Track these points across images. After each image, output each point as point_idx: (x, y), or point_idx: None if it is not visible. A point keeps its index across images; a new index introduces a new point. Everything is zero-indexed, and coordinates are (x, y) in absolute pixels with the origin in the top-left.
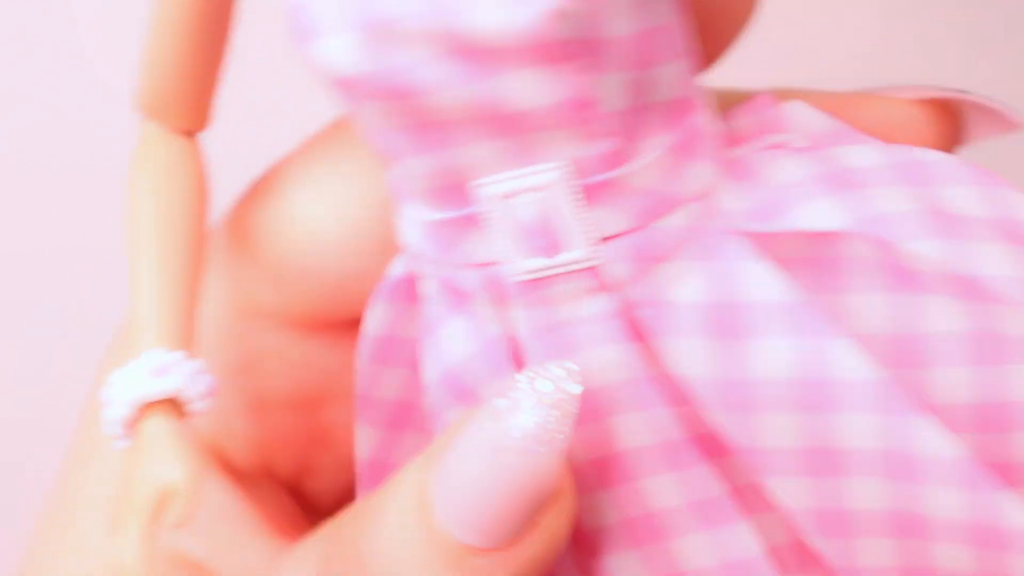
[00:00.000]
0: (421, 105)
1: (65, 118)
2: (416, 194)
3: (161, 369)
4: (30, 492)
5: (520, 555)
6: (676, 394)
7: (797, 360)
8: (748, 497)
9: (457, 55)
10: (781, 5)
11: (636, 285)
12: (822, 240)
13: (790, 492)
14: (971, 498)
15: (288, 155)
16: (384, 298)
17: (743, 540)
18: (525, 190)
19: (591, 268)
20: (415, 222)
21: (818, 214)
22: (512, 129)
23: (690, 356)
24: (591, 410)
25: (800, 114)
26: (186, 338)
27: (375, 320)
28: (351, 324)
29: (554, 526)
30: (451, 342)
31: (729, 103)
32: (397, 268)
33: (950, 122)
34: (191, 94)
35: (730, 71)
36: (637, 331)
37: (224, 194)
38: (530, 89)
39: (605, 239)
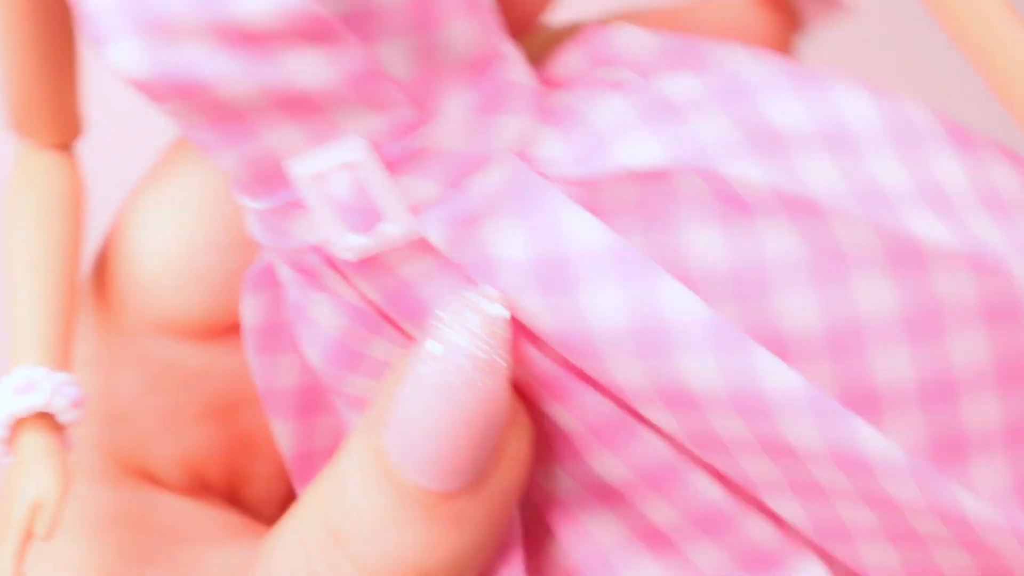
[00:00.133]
0: (213, 99)
1: None
2: (238, 185)
3: (26, 386)
4: None
5: (493, 488)
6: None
7: (629, 308)
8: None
9: (234, 45)
10: None
11: (460, 248)
12: (649, 178)
13: (663, 423)
14: (825, 427)
15: (141, 177)
16: (250, 289)
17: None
18: (334, 168)
19: (410, 239)
20: (249, 212)
21: (639, 150)
22: (306, 110)
23: (530, 313)
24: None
25: (627, 38)
26: (52, 352)
27: (248, 312)
28: (239, 327)
29: (518, 452)
30: (321, 319)
31: (559, 38)
32: (259, 259)
33: (783, 13)
34: (51, 107)
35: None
36: (476, 284)
37: (109, 200)
38: (311, 68)
39: (421, 207)
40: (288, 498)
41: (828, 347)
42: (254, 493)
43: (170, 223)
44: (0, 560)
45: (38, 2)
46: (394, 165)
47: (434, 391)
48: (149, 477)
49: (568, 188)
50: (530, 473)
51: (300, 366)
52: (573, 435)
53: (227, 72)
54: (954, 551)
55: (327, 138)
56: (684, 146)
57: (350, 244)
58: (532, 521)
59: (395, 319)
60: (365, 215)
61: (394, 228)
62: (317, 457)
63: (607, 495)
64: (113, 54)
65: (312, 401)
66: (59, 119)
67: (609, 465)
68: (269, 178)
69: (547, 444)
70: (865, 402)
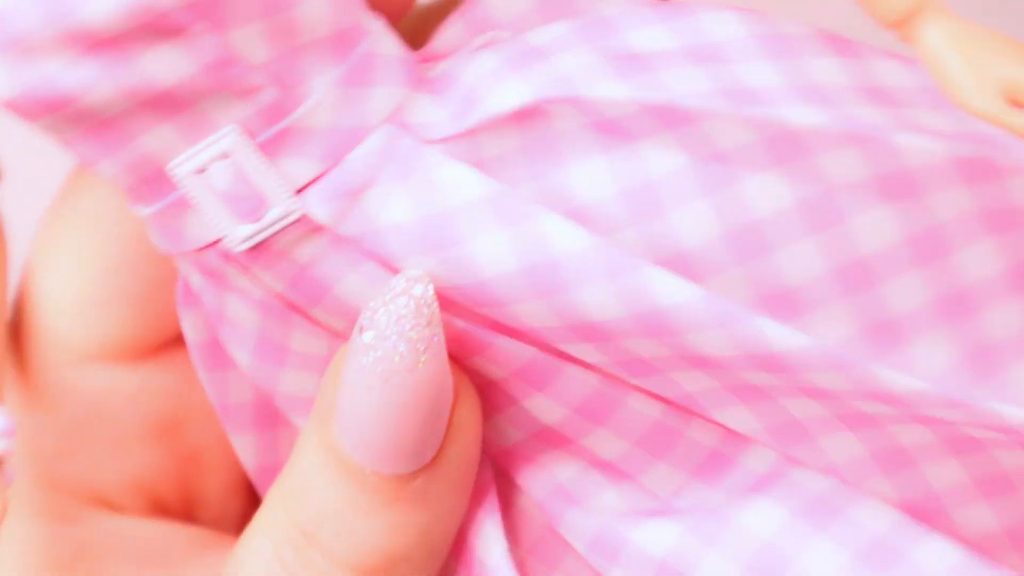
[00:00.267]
0: (80, 110)
1: None
2: (128, 194)
3: None
4: None
5: (450, 460)
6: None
7: (517, 251)
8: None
9: (88, 52)
10: None
11: (347, 221)
12: (524, 120)
13: (586, 355)
14: (730, 332)
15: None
16: (183, 306)
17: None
18: (212, 160)
19: (299, 219)
20: (146, 221)
21: (506, 94)
22: (173, 107)
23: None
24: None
25: (500, 2)
26: None
27: (188, 329)
28: (175, 340)
29: (467, 419)
30: (238, 318)
31: (443, 11)
32: (181, 275)
33: None
34: None
35: None
36: (369, 255)
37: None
38: (166, 64)
39: (302, 188)
40: (246, 514)
41: (733, 254)
42: (210, 511)
43: (77, 251)
44: None
45: None
46: (269, 149)
47: (376, 380)
48: (108, 505)
49: (448, 147)
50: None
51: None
52: (502, 384)
53: (87, 80)
54: (908, 427)
55: (201, 132)
56: (547, 81)
57: (241, 234)
58: (497, 478)
59: (302, 307)
60: (251, 203)
61: (278, 211)
62: (282, 469)
63: (553, 438)
64: None
65: (272, 414)
66: None
67: (545, 407)
68: (154, 181)
69: (483, 399)
70: (784, 302)
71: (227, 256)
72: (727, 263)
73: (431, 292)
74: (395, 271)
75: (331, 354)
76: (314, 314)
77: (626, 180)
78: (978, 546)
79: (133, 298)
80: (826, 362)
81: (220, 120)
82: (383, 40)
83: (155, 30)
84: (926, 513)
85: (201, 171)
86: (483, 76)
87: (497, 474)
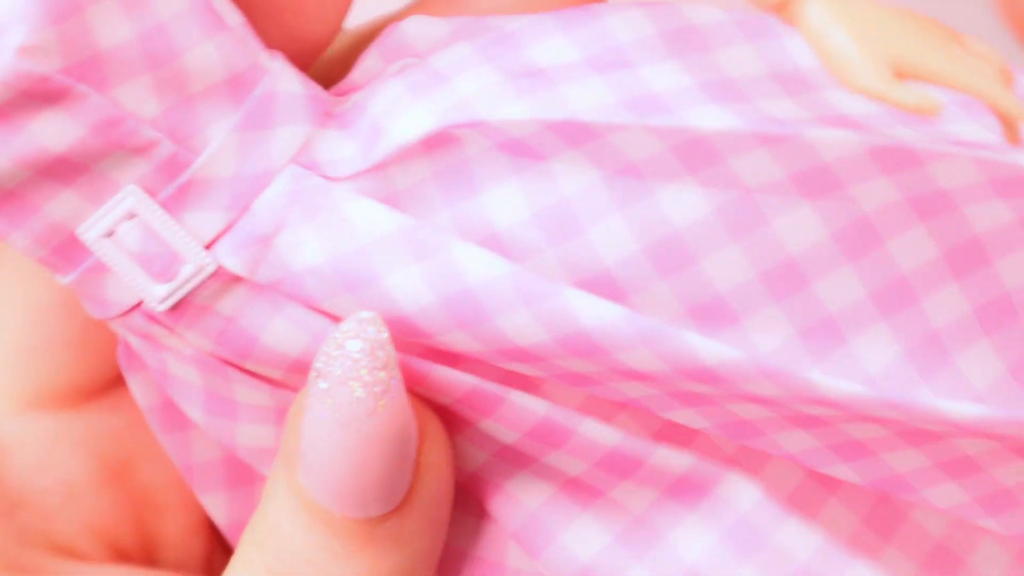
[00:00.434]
0: None
1: None
2: (44, 264)
3: None
4: None
5: (421, 499)
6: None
7: (433, 283)
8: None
9: None
10: None
11: (261, 268)
12: (434, 149)
13: (524, 370)
14: (657, 349)
15: None
16: (126, 371)
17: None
18: (118, 222)
19: (215, 272)
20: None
21: (408, 124)
22: (71, 172)
23: (349, 312)
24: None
25: (417, 29)
26: None
27: (137, 393)
28: (116, 380)
29: (436, 459)
30: (182, 377)
31: (363, 43)
32: (120, 337)
33: None
34: None
35: None
36: (290, 297)
37: None
38: (56, 129)
39: (212, 240)
40: (208, 555)
41: (656, 268)
42: (172, 553)
43: (4, 298)
44: None
45: None
46: (173, 204)
47: (335, 427)
48: (70, 553)
49: (359, 184)
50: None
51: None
52: (452, 408)
53: None
54: (859, 425)
55: (104, 194)
56: (448, 107)
57: (158, 294)
58: (471, 507)
59: (234, 361)
60: (163, 261)
61: (191, 267)
62: None
63: (515, 457)
64: None
65: (244, 469)
66: None
67: (497, 430)
68: (67, 249)
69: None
70: (715, 313)
71: (151, 317)
72: (651, 278)
73: (385, 334)
74: (319, 311)
75: (277, 404)
76: (247, 367)
77: (540, 202)
78: (954, 515)
79: (68, 341)
80: (758, 372)
81: (121, 180)
82: (283, 78)
83: (38, 96)
84: (895, 491)
85: (110, 234)
86: (387, 106)
87: (468, 503)
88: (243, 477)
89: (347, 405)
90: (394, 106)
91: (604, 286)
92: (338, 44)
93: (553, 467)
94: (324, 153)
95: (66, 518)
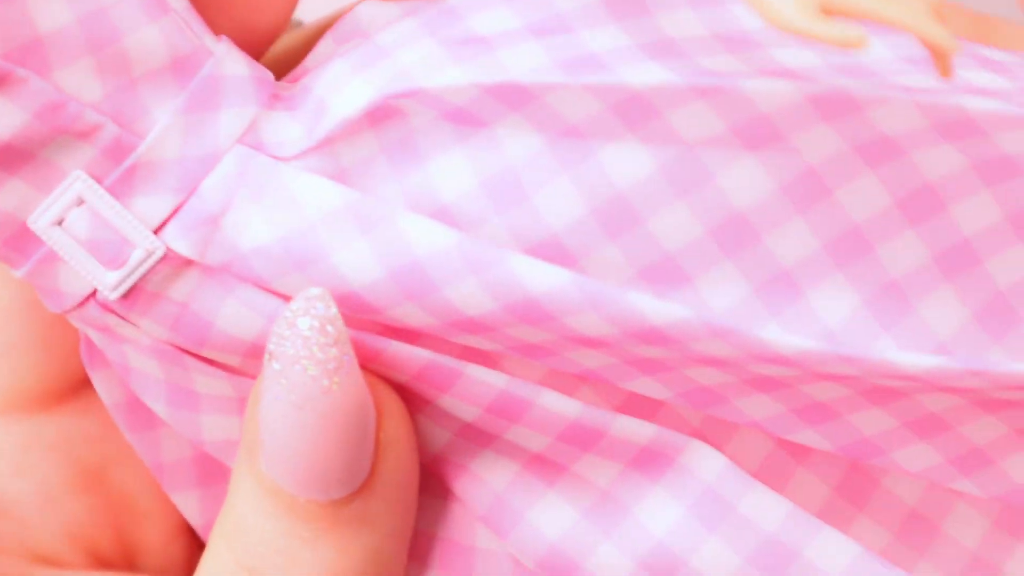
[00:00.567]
0: None
1: None
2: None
3: None
4: None
5: (385, 477)
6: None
7: (381, 256)
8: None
9: None
10: None
11: (210, 250)
12: (379, 123)
13: (483, 346)
14: (604, 312)
15: None
16: (89, 368)
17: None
18: (67, 209)
19: (165, 256)
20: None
21: (349, 98)
22: (17, 160)
23: (297, 291)
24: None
25: (369, 13)
26: None
27: (102, 391)
28: (84, 381)
29: (396, 436)
30: (143, 370)
31: (318, 33)
32: (82, 334)
33: None
34: None
35: None
36: (242, 279)
37: None
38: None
39: (161, 224)
40: (189, 559)
41: (604, 230)
42: (152, 559)
43: None
44: None
45: None
46: (120, 189)
47: (291, 408)
48: (49, 561)
49: (306, 162)
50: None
51: (184, 437)
52: (409, 387)
53: None
54: (818, 385)
55: (51, 182)
56: (387, 78)
57: (110, 282)
58: (437, 490)
59: (191, 350)
60: (113, 247)
61: (141, 252)
62: None
63: (477, 436)
64: None
65: (217, 467)
66: None
67: (456, 407)
68: (19, 240)
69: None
70: (667, 272)
71: (105, 307)
72: (599, 241)
73: (334, 310)
74: (272, 292)
75: (238, 394)
76: (205, 354)
77: (485, 170)
78: (928, 478)
79: (35, 342)
80: (707, 331)
81: (67, 166)
82: (229, 60)
83: None
84: (865, 455)
85: (60, 222)
86: (330, 84)
87: (434, 485)
88: (214, 475)
89: (301, 385)
90: (336, 83)
91: (553, 252)
92: (292, 39)
93: (515, 444)
94: (271, 134)
95: (44, 525)
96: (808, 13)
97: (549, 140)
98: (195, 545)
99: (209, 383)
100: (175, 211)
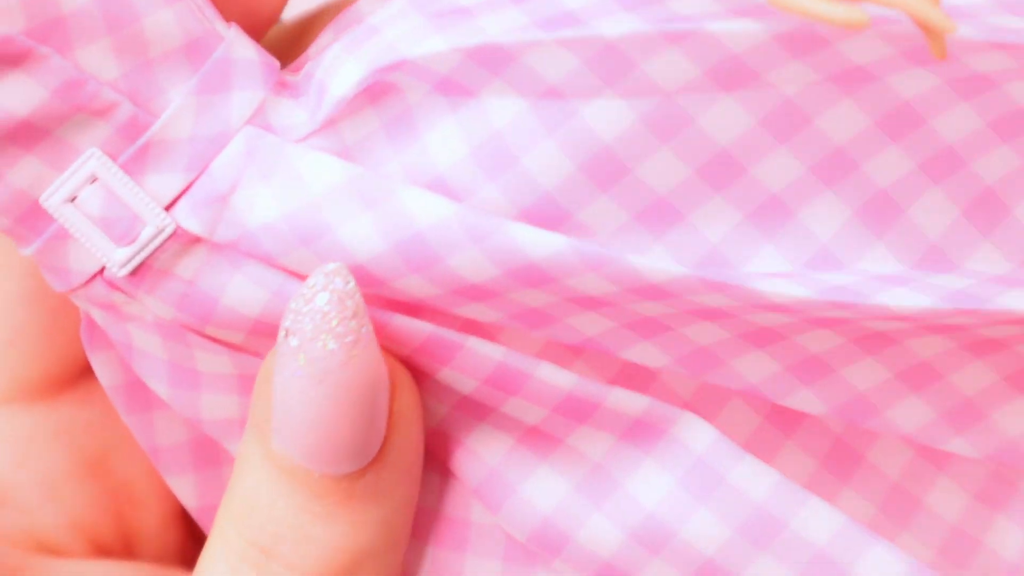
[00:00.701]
0: None
1: None
2: (9, 235)
3: None
4: None
5: (397, 449)
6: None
7: (384, 230)
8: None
9: None
10: None
11: (219, 228)
12: (378, 100)
13: (483, 316)
14: (602, 270)
15: None
16: (89, 350)
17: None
18: (81, 186)
19: (174, 233)
20: (38, 264)
21: (344, 77)
22: (34, 137)
23: (305, 265)
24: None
25: (368, 4)
26: None
27: (101, 373)
28: (84, 371)
29: (407, 408)
30: (145, 347)
31: (317, 22)
32: (83, 315)
33: None
34: None
35: None
36: (249, 256)
37: None
38: (18, 92)
39: (171, 201)
40: (185, 545)
41: (595, 183)
42: (149, 545)
43: None
44: None
45: None
46: (133, 166)
47: (310, 383)
48: (50, 550)
49: (311, 143)
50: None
51: (184, 417)
52: (409, 361)
53: None
54: (813, 333)
55: (66, 159)
56: (375, 55)
57: (119, 259)
58: (433, 465)
59: (195, 327)
60: (124, 224)
61: (151, 229)
62: None
63: (474, 409)
64: None
65: (212, 451)
66: None
67: (455, 379)
68: (30, 217)
69: None
70: (661, 214)
71: (112, 284)
72: (592, 193)
73: (352, 284)
74: (277, 268)
75: (238, 371)
76: (209, 332)
77: (475, 137)
78: (919, 441)
79: (37, 332)
80: (704, 284)
81: (81, 144)
82: (238, 45)
83: (2, 60)
84: (859, 415)
85: (72, 199)
86: (327, 67)
87: (430, 460)
88: (211, 459)
89: (320, 359)
90: (333, 65)
91: (548, 210)
92: (274, 34)
93: (511, 416)
94: (278, 119)
95: (47, 514)
96: None
97: (531, 103)
98: (190, 531)
99: (210, 360)
100: (186, 189)
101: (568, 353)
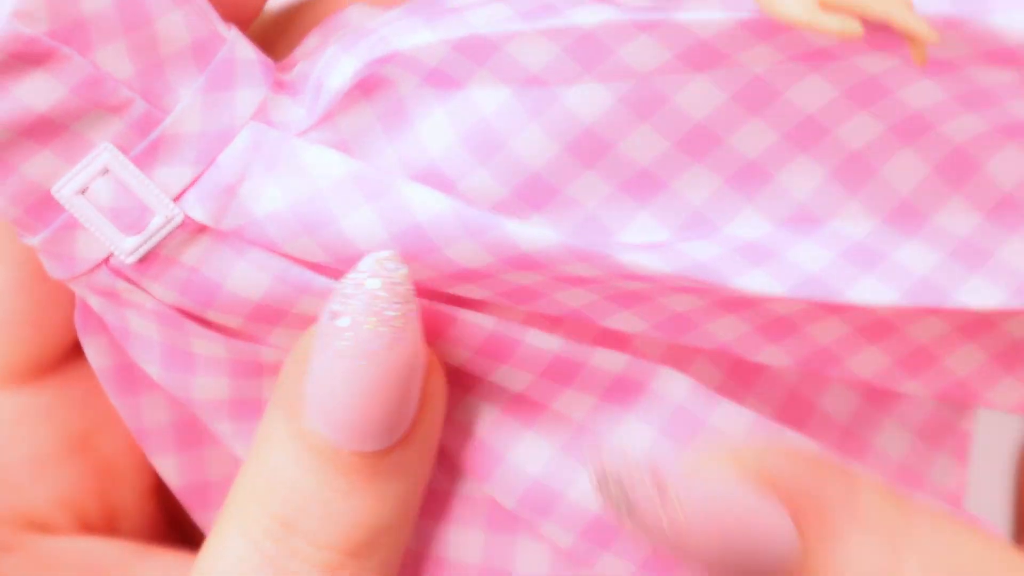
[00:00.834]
0: None
1: None
2: (16, 225)
3: None
4: None
5: (424, 428)
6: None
7: (385, 221)
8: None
9: None
10: None
11: (226, 217)
12: (372, 93)
13: (475, 294)
14: (590, 263)
15: None
16: (83, 333)
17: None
18: (92, 178)
19: (182, 223)
20: (39, 252)
21: (340, 72)
22: (50, 131)
23: (309, 253)
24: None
25: (357, 14)
26: None
27: (92, 356)
28: (74, 350)
29: (438, 388)
30: (141, 331)
31: (294, 17)
32: (78, 301)
33: None
34: None
35: None
36: (253, 243)
37: None
38: (40, 89)
39: (180, 193)
40: (158, 520)
41: (580, 161)
42: (129, 520)
43: None
44: None
45: None
46: (144, 160)
47: (353, 363)
48: (40, 527)
49: (310, 137)
50: None
51: (169, 400)
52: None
53: None
54: (781, 303)
55: (78, 153)
56: (368, 49)
57: (127, 247)
58: None
59: (196, 312)
60: (133, 214)
61: (160, 219)
62: (213, 487)
63: (462, 381)
64: None
65: (194, 433)
66: None
67: (447, 353)
68: (40, 208)
69: None
70: (644, 183)
71: (117, 272)
72: (578, 170)
73: (404, 270)
74: (282, 254)
75: (231, 356)
76: (209, 316)
77: (464, 125)
78: (873, 384)
79: (24, 319)
80: (682, 277)
81: (95, 138)
82: (239, 45)
83: (25, 58)
84: (822, 363)
85: (84, 190)
86: (324, 66)
87: None
88: (192, 440)
89: (368, 341)
90: (329, 64)
91: (538, 187)
92: (260, 24)
93: (499, 386)
94: (278, 115)
95: (36, 492)
96: (808, 6)
97: (515, 92)
98: (163, 507)
99: (205, 345)
100: (194, 181)
101: (548, 322)
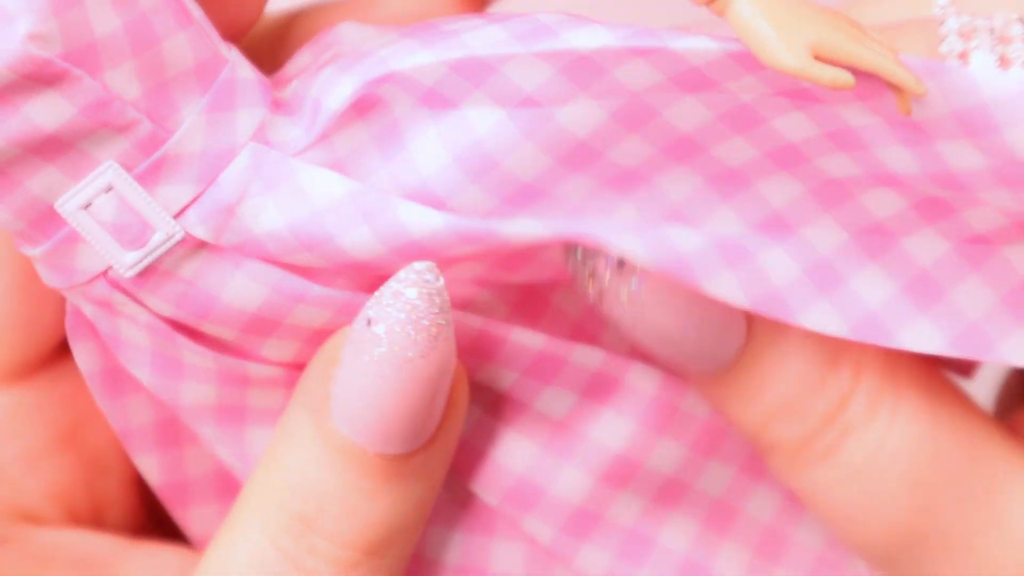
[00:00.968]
0: None
1: None
2: (18, 237)
3: None
4: None
5: (448, 432)
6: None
7: (382, 238)
8: None
9: None
10: None
11: (225, 233)
12: (367, 113)
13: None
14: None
15: None
16: (74, 339)
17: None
18: (96, 194)
19: (182, 239)
20: (36, 261)
21: (338, 92)
22: (57, 149)
23: (305, 264)
24: (268, 325)
25: (349, 31)
26: None
27: (80, 360)
28: (61, 347)
29: (462, 394)
30: (133, 338)
31: (284, 29)
32: (69, 306)
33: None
34: None
35: None
36: (251, 256)
37: None
38: (50, 109)
39: (180, 210)
40: (137, 513)
41: (572, 169)
42: (114, 513)
43: None
44: None
45: None
46: (147, 178)
47: (390, 370)
48: (33, 519)
49: (307, 157)
50: None
51: (151, 401)
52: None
53: None
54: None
55: (83, 169)
56: (367, 69)
57: (127, 261)
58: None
59: (191, 324)
60: (135, 230)
61: (161, 235)
62: (192, 486)
63: None
64: None
65: (174, 433)
66: None
67: None
68: (43, 221)
69: None
70: (630, 181)
71: (114, 284)
72: (569, 176)
73: (441, 281)
74: (279, 264)
75: (219, 368)
76: (204, 328)
77: (457, 145)
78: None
79: (19, 320)
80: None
81: (100, 156)
82: (239, 67)
83: (38, 79)
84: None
85: (87, 206)
86: (321, 87)
87: None
88: (172, 439)
89: (404, 348)
90: (326, 84)
91: (532, 195)
92: (254, 36)
93: (484, 385)
94: (275, 135)
95: (29, 485)
96: (802, 57)
97: (509, 112)
98: (144, 500)
99: (195, 358)
100: (195, 199)
101: (528, 319)
